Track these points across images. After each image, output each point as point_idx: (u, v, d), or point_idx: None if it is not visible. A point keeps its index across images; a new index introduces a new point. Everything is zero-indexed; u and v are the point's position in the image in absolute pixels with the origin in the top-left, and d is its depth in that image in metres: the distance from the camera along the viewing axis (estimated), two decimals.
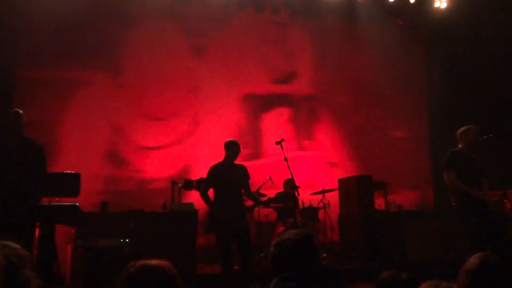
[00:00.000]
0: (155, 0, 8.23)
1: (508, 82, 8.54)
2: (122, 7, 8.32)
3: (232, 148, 5.71)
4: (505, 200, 7.10)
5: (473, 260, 2.15)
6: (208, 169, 5.77)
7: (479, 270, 2.04)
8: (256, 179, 8.44)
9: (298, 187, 6.20)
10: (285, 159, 5.73)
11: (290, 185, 6.85)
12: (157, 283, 1.68)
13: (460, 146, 5.86)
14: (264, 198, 7.07)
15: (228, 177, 5.64)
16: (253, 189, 7.45)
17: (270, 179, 7.82)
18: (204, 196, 5.64)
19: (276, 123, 9.28)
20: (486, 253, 2.22)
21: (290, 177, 6.05)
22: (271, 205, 7.61)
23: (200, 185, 5.96)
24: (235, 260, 6.00)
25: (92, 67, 8.30)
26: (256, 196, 6.11)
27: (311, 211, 7.80)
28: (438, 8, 9.21)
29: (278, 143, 5.82)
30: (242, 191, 5.84)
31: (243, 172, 5.81)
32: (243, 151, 8.77)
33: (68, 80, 8.13)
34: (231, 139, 5.98)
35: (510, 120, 8.24)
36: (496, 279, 2.03)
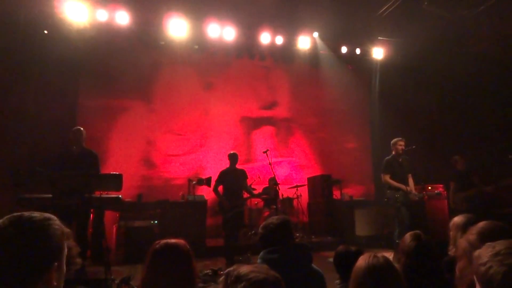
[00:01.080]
0: (178, 50, 8.19)
1: (425, 109, 8.65)
2: (155, 54, 8.28)
3: (232, 158, 5.90)
4: (424, 192, 7.13)
5: (408, 240, 2.01)
6: (218, 173, 5.92)
7: (414, 249, 1.93)
8: (249, 177, 8.43)
9: (279, 183, 6.21)
10: (270, 164, 5.73)
11: (273, 182, 6.86)
12: (175, 256, 1.68)
13: (393, 153, 5.90)
14: (255, 192, 7.12)
15: (231, 178, 5.78)
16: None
17: (259, 177, 7.81)
18: (215, 191, 5.79)
19: (263, 138, 9.27)
20: (416, 232, 2.09)
21: (273, 176, 6.04)
22: (262, 196, 7.62)
23: (212, 183, 6.06)
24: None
25: (132, 98, 8.24)
26: (251, 191, 6.18)
27: (288, 200, 7.79)
28: (376, 58, 9.31)
29: (264, 152, 5.84)
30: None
31: (242, 174, 5.96)
32: (240, 157, 8.73)
33: (115, 107, 8.07)
34: (232, 152, 6.11)
35: (427, 135, 8.32)
36: (427, 254, 1.92)
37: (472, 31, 8.00)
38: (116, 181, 4.19)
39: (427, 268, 1.87)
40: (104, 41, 7.55)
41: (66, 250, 1.13)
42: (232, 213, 5.62)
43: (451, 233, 2.36)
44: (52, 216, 1.16)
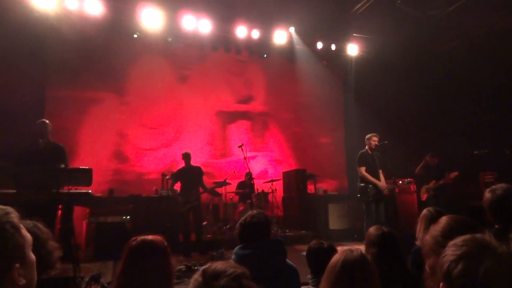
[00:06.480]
0: (152, 41, 8.02)
1: (398, 106, 8.88)
2: (128, 45, 8.04)
3: (186, 157, 6.32)
4: (395, 187, 7.33)
5: (373, 232, 2.12)
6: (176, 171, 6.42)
7: (381, 239, 2.03)
8: (224, 171, 8.42)
9: (254, 178, 6.26)
10: (245, 158, 5.73)
11: (248, 176, 6.88)
12: (152, 253, 1.64)
13: (366, 147, 6.01)
14: (229, 186, 7.24)
15: (187, 176, 6.19)
16: (221, 179, 7.43)
17: (234, 172, 7.80)
18: (170, 189, 6.24)
19: (238, 132, 9.25)
20: (381, 226, 2.21)
21: (249, 170, 6.06)
22: (235, 190, 7.64)
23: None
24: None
25: (104, 89, 7.99)
26: (206, 186, 6.45)
27: (263, 195, 7.81)
28: (350, 55, 9.43)
29: (239, 146, 5.84)
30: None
31: (198, 171, 6.33)
32: (215, 152, 8.79)
33: (86, 98, 7.79)
34: (185, 151, 6.46)
35: (399, 131, 8.55)
36: (392, 241, 2.05)
37: (441, 30, 8.27)
38: (85, 175, 4.07)
39: (394, 255, 1.99)
40: (74, 30, 7.23)
41: (28, 245, 1.08)
42: (186, 208, 5.92)
43: (418, 226, 2.48)
44: (8, 211, 1.09)
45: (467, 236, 0.98)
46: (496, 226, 2.16)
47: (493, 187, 2.24)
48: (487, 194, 2.21)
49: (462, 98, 7.99)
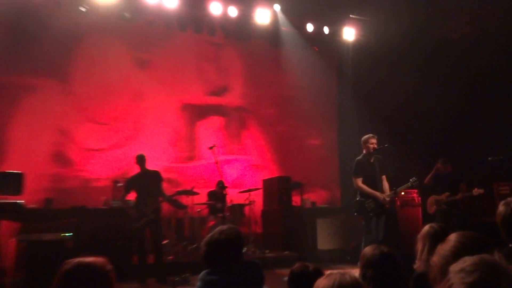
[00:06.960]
0: (103, 18, 7.90)
1: (402, 102, 9.04)
2: (74, 20, 7.86)
3: (140, 160, 6.11)
4: (396, 198, 7.48)
5: (370, 251, 2.15)
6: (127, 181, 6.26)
7: (380, 260, 2.06)
8: (191, 178, 8.37)
9: (227, 187, 6.25)
10: (216, 163, 5.75)
11: (220, 185, 6.89)
12: (90, 279, 1.60)
13: (363, 152, 6.07)
14: (197, 197, 7.16)
15: (142, 183, 6.01)
16: (187, 187, 7.38)
17: (203, 179, 7.78)
18: (121, 200, 6.15)
19: (210, 130, 9.23)
20: (380, 245, 2.24)
21: (221, 178, 6.06)
22: (204, 201, 7.60)
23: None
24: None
25: (41, 75, 7.81)
26: (166, 194, 6.18)
27: (239, 207, 7.81)
28: (346, 40, 9.55)
29: (210, 148, 5.86)
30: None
31: (156, 176, 6.12)
32: (180, 154, 8.73)
33: (17, 85, 7.59)
34: (139, 154, 6.25)
35: (403, 132, 8.71)
36: (392, 262, 2.08)
37: (452, 14, 8.47)
38: (15, 181, 3.98)
39: (394, 278, 2.03)
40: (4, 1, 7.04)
41: None
42: (141, 223, 5.77)
43: (418, 245, 2.51)
44: None
45: (474, 259, 0.99)
46: (510, 245, 2.21)
47: (508, 199, 2.31)
48: (501, 207, 2.28)
49: (476, 95, 8.21)
